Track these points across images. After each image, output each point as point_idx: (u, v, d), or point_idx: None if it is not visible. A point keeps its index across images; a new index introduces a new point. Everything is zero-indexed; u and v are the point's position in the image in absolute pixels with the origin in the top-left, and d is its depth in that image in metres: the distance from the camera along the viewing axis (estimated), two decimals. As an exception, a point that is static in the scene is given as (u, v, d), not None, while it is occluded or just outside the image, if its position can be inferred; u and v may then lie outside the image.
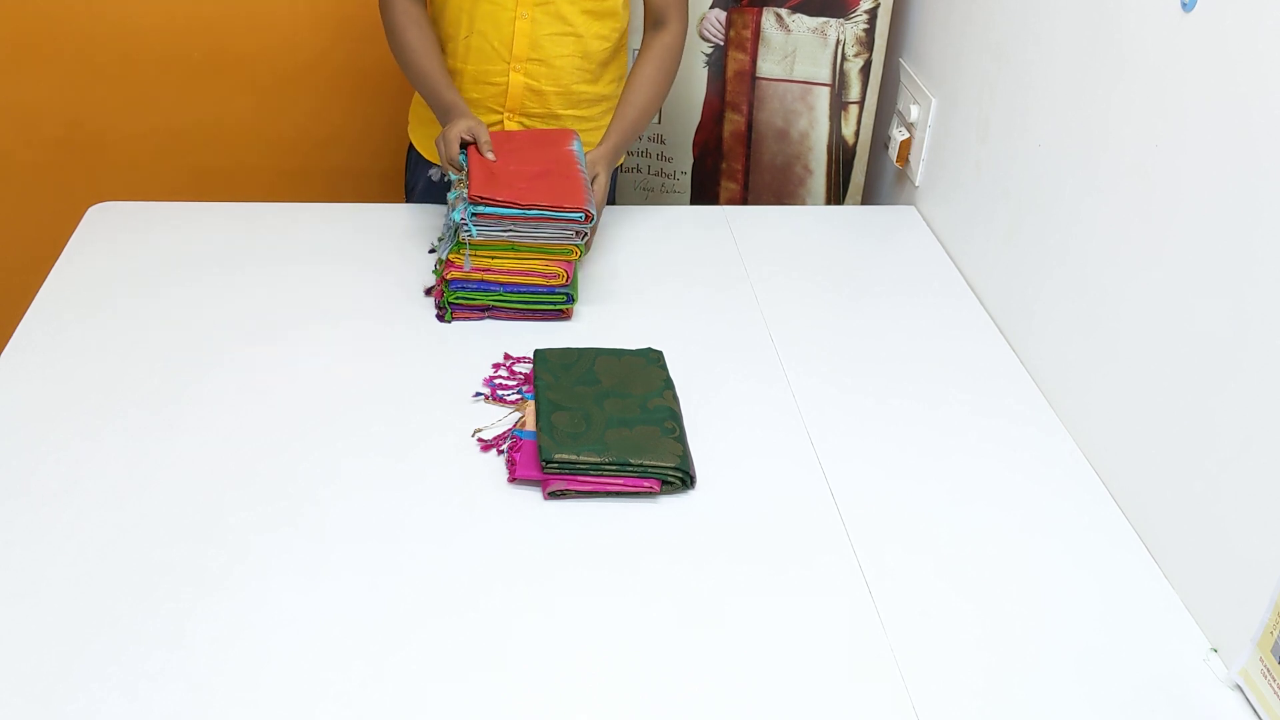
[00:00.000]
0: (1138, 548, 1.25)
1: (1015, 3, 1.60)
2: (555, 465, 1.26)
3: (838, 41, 1.99)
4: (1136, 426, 1.27)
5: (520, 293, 1.54)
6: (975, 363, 1.54)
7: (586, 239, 1.53)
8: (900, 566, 1.20)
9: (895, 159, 2.00)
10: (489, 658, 1.08)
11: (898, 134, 2.00)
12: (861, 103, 2.04)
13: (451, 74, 1.71)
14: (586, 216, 1.51)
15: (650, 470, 1.26)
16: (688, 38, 1.85)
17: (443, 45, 1.73)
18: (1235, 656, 1.09)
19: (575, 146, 1.64)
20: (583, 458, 1.26)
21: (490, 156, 1.58)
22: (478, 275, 1.53)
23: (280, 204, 1.80)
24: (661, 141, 2.16)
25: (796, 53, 2.02)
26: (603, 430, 1.29)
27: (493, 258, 1.52)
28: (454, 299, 1.54)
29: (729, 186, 2.18)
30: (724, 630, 1.12)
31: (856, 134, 2.06)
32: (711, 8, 2.01)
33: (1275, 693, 1.03)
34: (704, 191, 2.19)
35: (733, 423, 1.39)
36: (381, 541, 1.19)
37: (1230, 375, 1.12)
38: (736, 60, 2.05)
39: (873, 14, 1.96)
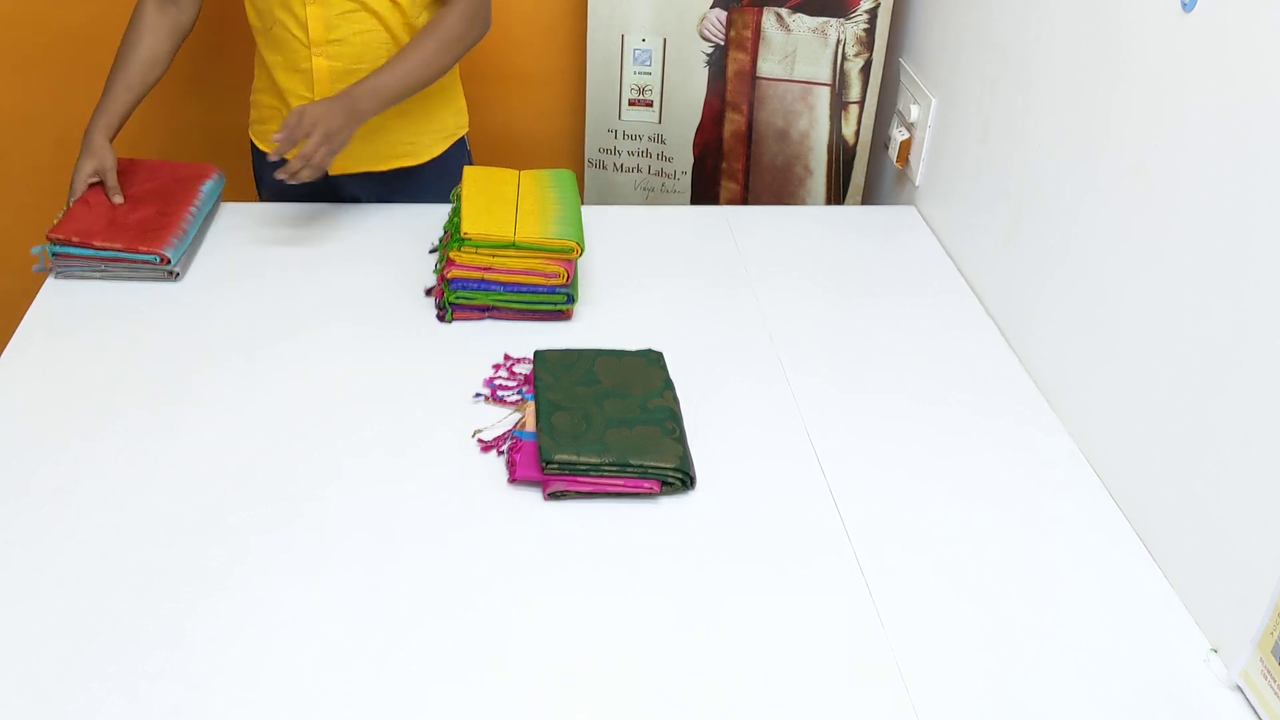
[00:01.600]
0: (1138, 548, 1.25)
1: (1015, 3, 1.60)
2: (555, 466, 1.26)
3: (838, 41, 1.99)
4: (1136, 426, 1.27)
5: (520, 292, 1.54)
6: (975, 363, 1.53)
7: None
8: (900, 566, 1.20)
9: (895, 159, 2.00)
10: (489, 658, 1.08)
11: (898, 134, 2.00)
12: (862, 103, 2.04)
13: (268, 66, 1.72)
14: (162, 260, 1.55)
15: (650, 471, 1.26)
16: (688, 38, 1.85)
17: (255, 37, 1.73)
18: (1235, 657, 1.09)
19: (205, 187, 1.70)
20: (583, 458, 1.26)
21: (117, 200, 1.63)
22: (478, 275, 1.53)
23: (280, 204, 1.80)
24: (661, 141, 2.16)
25: (797, 52, 2.02)
26: (603, 431, 1.29)
27: (493, 256, 1.52)
28: (454, 299, 1.54)
29: (729, 186, 2.18)
30: (724, 630, 1.12)
31: (857, 134, 2.06)
32: (712, 7, 2.01)
33: (1275, 693, 1.03)
34: (704, 191, 2.19)
35: (732, 423, 1.39)
36: (381, 541, 1.19)
37: (1230, 375, 1.12)
38: (737, 60, 2.05)
39: (873, 14, 1.96)
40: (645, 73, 2.09)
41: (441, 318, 1.55)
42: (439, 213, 1.78)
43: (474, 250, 1.52)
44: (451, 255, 1.53)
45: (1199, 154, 1.17)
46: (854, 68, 2.01)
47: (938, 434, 1.39)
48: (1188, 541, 1.18)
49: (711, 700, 1.05)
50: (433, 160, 1.82)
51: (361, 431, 1.34)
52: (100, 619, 1.09)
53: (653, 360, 1.44)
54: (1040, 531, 1.26)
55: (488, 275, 1.53)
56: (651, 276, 1.68)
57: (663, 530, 1.23)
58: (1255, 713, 1.06)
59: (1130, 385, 1.29)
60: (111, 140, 1.67)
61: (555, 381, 1.38)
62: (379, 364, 1.46)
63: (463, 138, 1.87)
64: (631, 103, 2.13)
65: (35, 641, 1.06)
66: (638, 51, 2.07)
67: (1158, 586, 1.20)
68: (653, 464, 1.26)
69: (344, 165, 1.76)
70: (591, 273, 1.67)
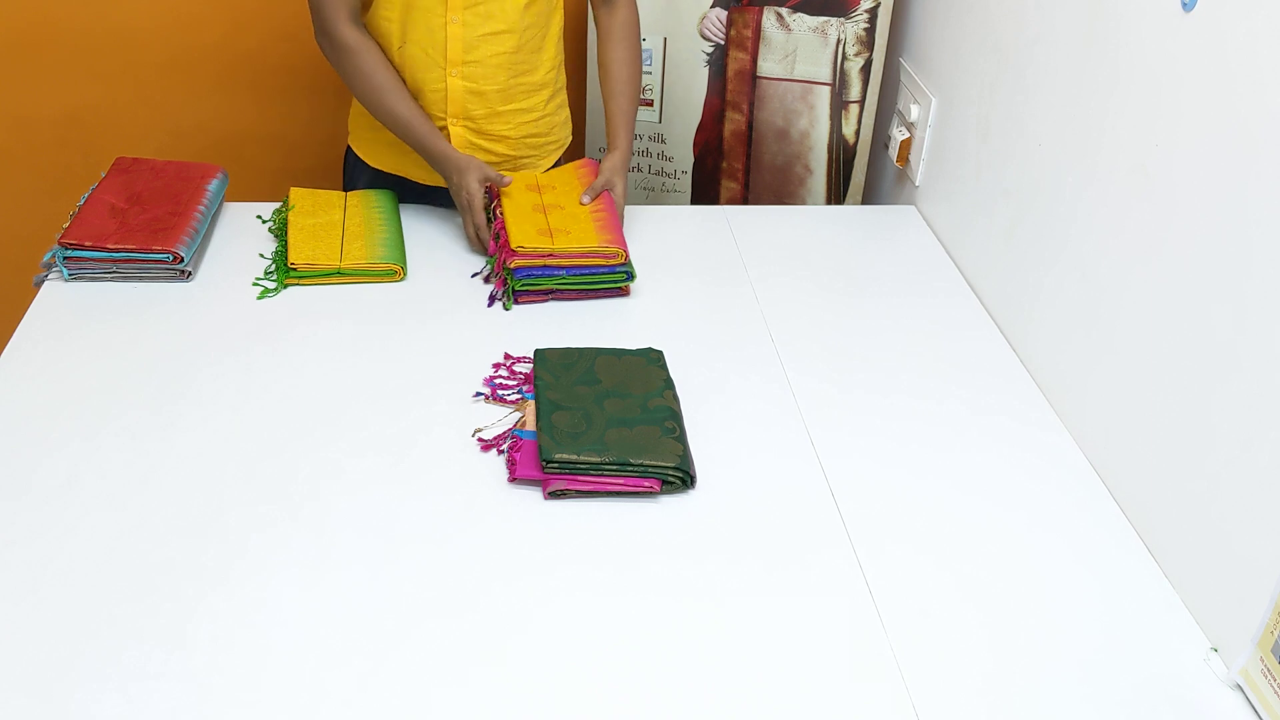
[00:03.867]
0: (1138, 547, 1.25)
1: (1015, 3, 1.60)
2: (555, 465, 1.26)
3: (838, 41, 1.99)
4: (1137, 426, 1.27)
5: (583, 275, 1.59)
6: (975, 361, 1.54)
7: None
8: (900, 565, 1.20)
9: (895, 159, 2.00)
10: (489, 657, 1.08)
11: (898, 133, 2.00)
12: (862, 102, 2.04)
13: None
14: (175, 258, 1.56)
15: (650, 470, 1.26)
16: (688, 37, 1.85)
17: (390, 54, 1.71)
18: (1235, 656, 1.09)
19: (211, 186, 1.71)
20: (583, 457, 1.26)
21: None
22: (540, 261, 1.57)
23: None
24: (662, 141, 2.16)
25: (797, 52, 2.02)
26: (603, 430, 1.29)
27: (553, 242, 1.57)
28: (519, 287, 1.58)
29: (729, 186, 2.18)
30: (724, 629, 1.12)
31: (857, 133, 2.06)
32: (712, 7, 2.01)
33: (1275, 693, 1.03)
34: (704, 191, 2.19)
35: (733, 422, 1.39)
36: (382, 541, 1.19)
37: (1230, 375, 1.12)
38: (737, 59, 2.05)
39: (873, 13, 1.96)
40: (645, 72, 2.09)
41: (503, 304, 1.58)
42: (440, 213, 1.78)
43: (532, 240, 1.58)
44: (514, 246, 1.57)
45: (1198, 153, 1.17)
46: (854, 67, 2.01)
47: (938, 433, 1.39)
48: (1188, 541, 1.18)
49: (711, 699, 1.05)
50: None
51: (362, 430, 1.34)
52: (100, 618, 1.09)
53: (653, 360, 1.44)
54: (1040, 530, 1.26)
55: (550, 260, 1.58)
56: (651, 276, 1.68)
57: (663, 529, 1.23)
58: (1255, 712, 1.06)
59: (1130, 384, 1.29)
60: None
61: (555, 381, 1.38)
62: (379, 363, 1.46)
63: (559, 159, 1.87)
64: (631, 102, 2.12)
65: (35, 641, 1.06)
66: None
67: (1158, 586, 1.20)
68: (653, 463, 1.26)
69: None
70: (591, 272, 1.67)
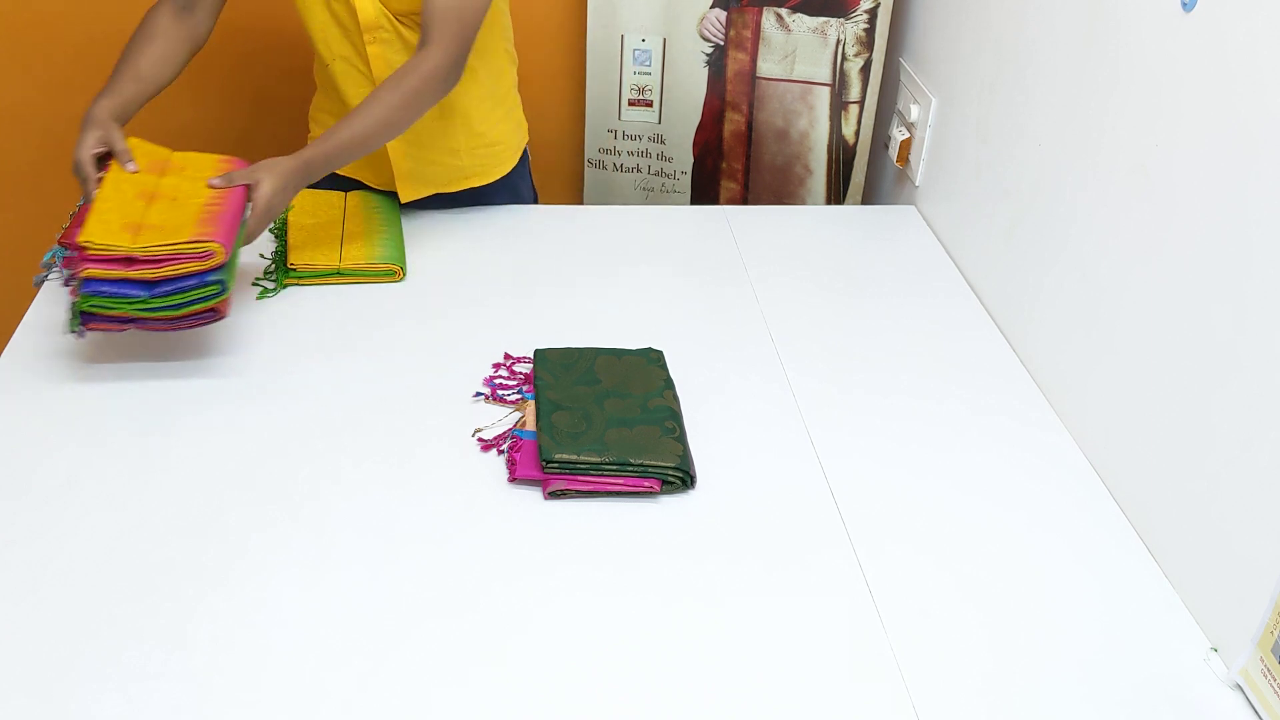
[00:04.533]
0: (1138, 547, 1.25)
1: (1015, 3, 1.60)
2: (555, 465, 1.26)
3: (838, 41, 2.00)
4: (1137, 426, 1.27)
5: (167, 295, 1.31)
6: (975, 361, 1.54)
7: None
8: (900, 565, 1.20)
9: (895, 159, 2.00)
10: (489, 657, 1.08)
11: (898, 134, 2.00)
12: (862, 102, 2.04)
13: (336, 90, 1.67)
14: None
15: (650, 470, 1.26)
16: (688, 38, 1.84)
17: (318, 67, 1.70)
18: (1235, 656, 1.09)
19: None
20: (583, 457, 1.26)
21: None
22: (117, 272, 1.29)
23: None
24: (661, 141, 2.16)
25: (797, 52, 2.02)
26: (603, 430, 1.30)
27: (134, 240, 1.30)
28: (86, 307, 1.30)
29: (729, 186, 2.18)
30: (724, 630, 1.12)
31: (857, 134, 2.06)
32: (712, 7, 2.01)
33: (1275, 693, 1.03)
34: (704, 191, 2.19)
35: (733, 422, 1.39)
36: (382, 541, 1.19)
37: (1230, 375, 1.12)
38: (737, 60, 2.05)
39: (873, 13, 1.96)
40: (645, 73, 2.10)
41: (69, 326, 1.33)
42: (439, 213, 1.78)
43: (110, 236, 1.30)
44: (82, 240, 1.28)
45: (1198, 153, 1.17)
46: (854, 68, 2.01)
47: (938, 433, 1.39)
48: (1188, 541, 1.18)
49: (711, 700, 1.05)
50: (502, 178, 1.80)
51: (361, 430, 1.34)
52: (100, 618, 1.09)
53: (653, 359, 1.44)
54: (1040, 530, 1.26)
55: (128, 273, 1.29)
56: (651, 276, 1.68)
57: (663, 529, 1.23)
58: (1255, 712, 1.06)
59: (1130, 384, 1.29)
60: (120, 126, 1.51)
61: (555, 381, 1.38)
62: (379, 363, 1.46)
63: (525, 149, 1.85)
64: (631, 103, 2.13)
65: (35, 641, 1.06)
66: (638, 51, 2.07)
67: (1158, 586, 1.20)
68: (653, 463, 1.26)
69: (417, 190, 1.74)
70: (592, 272, 1.67)
